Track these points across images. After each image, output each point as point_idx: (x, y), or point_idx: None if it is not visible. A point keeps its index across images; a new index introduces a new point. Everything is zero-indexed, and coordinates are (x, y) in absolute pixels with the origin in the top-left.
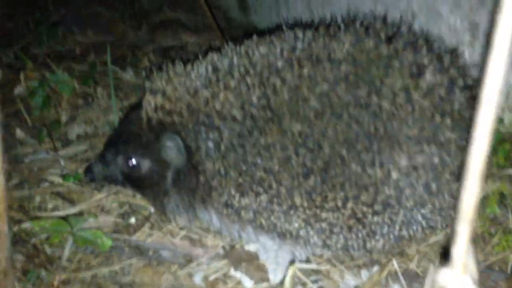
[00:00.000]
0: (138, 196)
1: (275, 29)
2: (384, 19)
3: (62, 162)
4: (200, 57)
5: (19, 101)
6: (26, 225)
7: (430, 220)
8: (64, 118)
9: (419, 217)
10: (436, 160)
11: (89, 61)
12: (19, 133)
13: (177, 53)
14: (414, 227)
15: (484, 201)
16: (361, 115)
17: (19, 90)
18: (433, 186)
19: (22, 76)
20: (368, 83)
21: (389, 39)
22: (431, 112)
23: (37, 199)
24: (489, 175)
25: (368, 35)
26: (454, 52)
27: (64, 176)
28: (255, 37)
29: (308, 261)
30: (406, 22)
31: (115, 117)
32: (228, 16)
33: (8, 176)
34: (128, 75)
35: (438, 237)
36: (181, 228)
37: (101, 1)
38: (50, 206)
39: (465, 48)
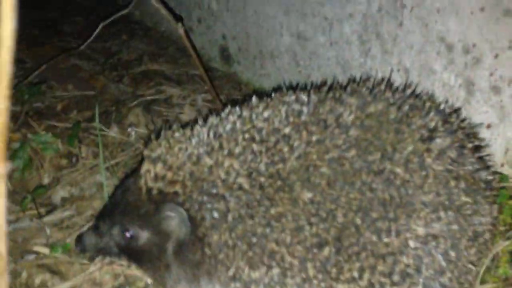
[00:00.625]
0: (133, 266)
1: (274, 89)
2: (389, 80)
3: (48, 231)
4: (200, 120)
5: None
6: None
7: None
8: (46, 180)
9: (438, 286)
10: (453, 226)
11: (72, 118)
12: None
13: (161, 106)
14: None
15: (494, 262)
16: (375, 182)
17: None
18: (452, 253)
19: None
20: (379, 149)
21: (397, 102)
22: (444, 176)
23: (23, 274)
24: (497, 233)
25: (374, 98)
26: (457, 112)
27: (51, 247)
28: (254, 99)
29: None
30: (410, 83)
31: (103, 179)
32: (210, 66)
33: None
34: (113, 132)
35: None
36: None
37: (80, 54)
38: (37, 281)
39: (460, 105)
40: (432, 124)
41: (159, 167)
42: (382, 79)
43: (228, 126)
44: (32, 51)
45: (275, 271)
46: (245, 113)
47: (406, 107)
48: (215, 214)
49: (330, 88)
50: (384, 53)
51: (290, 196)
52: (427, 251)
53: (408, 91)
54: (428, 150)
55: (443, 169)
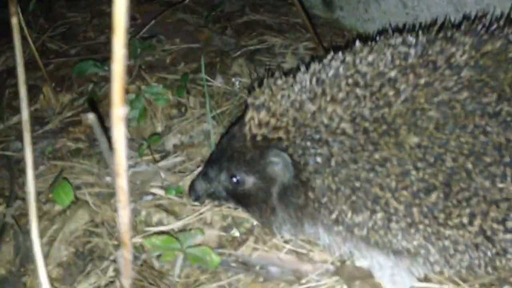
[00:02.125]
0: (240, 208)
1: (379, 33)
2: (508, 17)
3: (163, 174)
4: (302, 67)
5: None
6: (136, 240)
7: None
8: (159, 129)
9: None
10: None
11: (180, 70)
12: None
13: (264, 56)
14: None
15: None
16: (489, 124)
17: None
18: None
19: None
20: (496, 90)
21: None
22: None
23: (143, 213)
24: None
25: (491, 35)
26: None
27: (166, 189)
28: (358, 43)
29: (427, 280)
30: None
31: (210, 127)
32: (312, 13)
33: (113, 190)
34: (218, 82)
35: None
36: (286, 242)
37: (185, 9)
38: (155, 220)
39: None
40: None
41: (262, 114)
42: (501, 15)
43: (331, 72)
44: (141, 8)
45: (379, 215)
46: (349, 58)
47: None
48: (318, 159)
49: (441, 27)
50: None
51: (395, 140)
52: None
53: None
54: None
55: None
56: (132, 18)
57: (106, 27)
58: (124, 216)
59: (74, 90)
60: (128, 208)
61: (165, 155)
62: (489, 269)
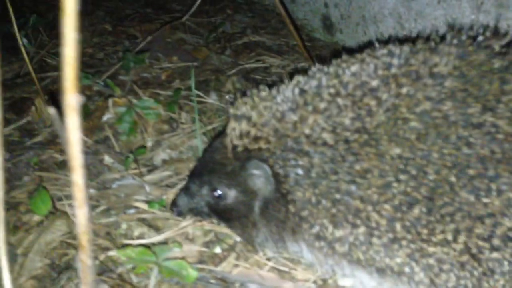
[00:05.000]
0: (223, 224)
1: (364, 47)
2: (495, 29)
3: (148, 188)
4: (286, 79)
5: (107, 128)
6: (113, 253)
7: None
8: (149, 143)
9: None
10: None
11: (174, 86)
12: (107, 159)
13: (260, 75)
14: None
15: None
16: (473, 136)
17: (107, 116)
18: None
19: (110, 103)
20: (480, 101)
21: (503, 51)
22: None
23: (123, 226)
24: None
25: (476, 47)
26: None
27: (149, 203)
28: (344, 55)
29: None
30: None
31: (198, 142)
32: (313, 36)
33: (96, 203)
34: (212, 99)
35: None
36: (269, 259)
37: (186, 29)
38: (136, 233)
39: None
40: None
41: (244, 125)
42: (487, 27)
43: (314, 83)
44: (142, 27)
45: (361, 230)
46: (332, 69)
47: None
48: (299, 171)
49: (427, 39)
50: (499, 7)
51: (376, 151)
52: None
53: None
54: None
55: None
56: (133, 36)
57: (106, 45)
58: (81, 216)
59: None
60: (85, 207)
61: (153, 169)
62: None
